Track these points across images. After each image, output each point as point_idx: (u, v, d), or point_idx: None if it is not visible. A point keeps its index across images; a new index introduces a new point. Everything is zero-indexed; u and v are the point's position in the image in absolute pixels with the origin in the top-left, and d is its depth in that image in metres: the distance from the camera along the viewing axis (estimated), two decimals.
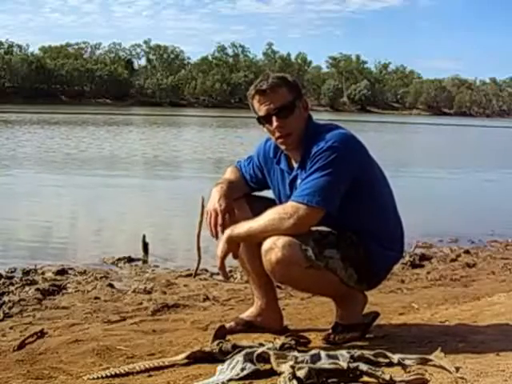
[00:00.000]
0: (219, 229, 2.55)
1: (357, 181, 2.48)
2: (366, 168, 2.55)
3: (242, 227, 2.49)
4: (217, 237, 2.57)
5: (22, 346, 2.69)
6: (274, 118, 2.51)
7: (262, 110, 2.54)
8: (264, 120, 2.55)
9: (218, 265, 2.53)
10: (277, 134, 2.54)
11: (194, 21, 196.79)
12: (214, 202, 2.59)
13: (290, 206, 2.43)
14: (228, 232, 2.51)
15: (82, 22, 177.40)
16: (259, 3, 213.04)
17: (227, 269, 2.61)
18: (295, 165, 2.58)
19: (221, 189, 2.63)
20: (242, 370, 2.13)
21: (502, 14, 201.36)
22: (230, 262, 2.61)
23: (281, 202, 2.62)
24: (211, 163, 14.51)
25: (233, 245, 2.51)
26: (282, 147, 2.59)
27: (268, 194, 2.81)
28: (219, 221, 2.55)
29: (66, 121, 34.27)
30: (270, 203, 2.63)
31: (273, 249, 2.41)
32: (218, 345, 2.37)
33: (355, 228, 2.55)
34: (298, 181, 2.52)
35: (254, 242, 2.55)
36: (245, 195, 2.72)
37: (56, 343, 2.73)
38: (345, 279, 2.54)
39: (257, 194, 2.81)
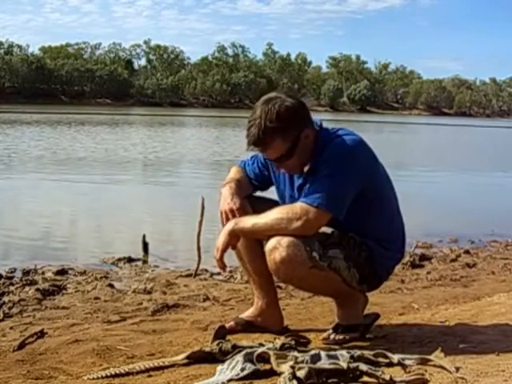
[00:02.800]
0: None
1: (365, 186, 2.48)
2: (373, 173, 2.55)
3: (247, 222, 2.49)
4: None
5: (22, 345, 2.69)
6: (273, 163, 2.58)
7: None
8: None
9: (218, 256, 2.52)
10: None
11: (194, 21, 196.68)
12: (228, 201, 2.59)
13: (299, 207, 2.43)
14: (231, 225, 2.50)
15: (81, 22, 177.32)
16: (260, 3, 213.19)
17: (228, 268, 2.61)
18: (305, 169, 2.58)
19: (230, 188, 2.64)
20: (242, 370, 2.13)
21: (502, 14, 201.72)
22: (231, 262, 2.60)
23: (284, 203, 2.63)
24: (210, 164, 14.49)
25: (234, 238, 2.52)
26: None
27: (269, 194, 2.82)
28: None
29: (64, 121, 34.24)
30: (272, 204, 2.63)
31: (277, 248, 2.41)
32: (218, 345, 2.37)
33: (358, 229, 2.56)
34: (307, 185, 2.52)
35: (256, 237, 2.56)
36: (247, 196, 2.72)
37: (56, 343, 2.73)
38: (347, 279, 2.54)
39: (259, 194, 2.82)
